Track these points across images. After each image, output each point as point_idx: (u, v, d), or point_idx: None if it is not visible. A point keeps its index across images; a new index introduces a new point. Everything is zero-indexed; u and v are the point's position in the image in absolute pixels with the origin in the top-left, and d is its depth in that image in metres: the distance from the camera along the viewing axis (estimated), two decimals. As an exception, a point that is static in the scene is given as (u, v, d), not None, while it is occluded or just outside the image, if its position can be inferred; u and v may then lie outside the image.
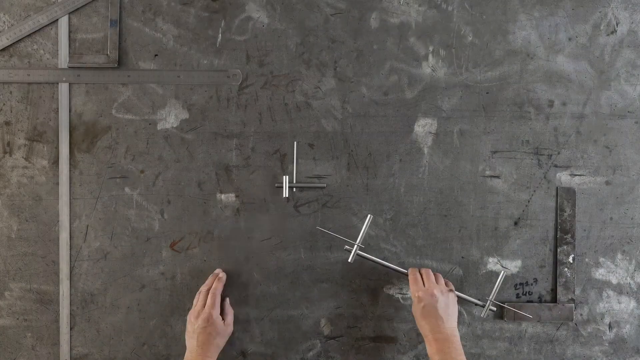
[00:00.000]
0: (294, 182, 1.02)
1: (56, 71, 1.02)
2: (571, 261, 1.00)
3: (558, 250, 1.01)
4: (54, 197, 1.03)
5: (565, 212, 1.00)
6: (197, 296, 0.98)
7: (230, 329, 0.98)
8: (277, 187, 1.02)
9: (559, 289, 1.01)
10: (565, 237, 1.00)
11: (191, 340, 0.94)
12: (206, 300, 0.96)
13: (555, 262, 1.01)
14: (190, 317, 0.96)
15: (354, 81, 1.01)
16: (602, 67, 1.00)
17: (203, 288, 0.99)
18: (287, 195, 1.01)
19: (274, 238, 1.03)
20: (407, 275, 0.97)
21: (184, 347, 1.04)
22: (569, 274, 1.01)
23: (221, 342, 0.96)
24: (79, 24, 1.02)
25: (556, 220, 1.01)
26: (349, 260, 0.96)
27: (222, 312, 0.98)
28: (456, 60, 1.01)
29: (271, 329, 1.04)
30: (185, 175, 1.03)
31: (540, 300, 1.02)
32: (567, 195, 1.00)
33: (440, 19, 1.00)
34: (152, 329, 1.04)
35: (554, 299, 1.01)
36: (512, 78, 1.01)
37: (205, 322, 0.94)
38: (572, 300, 1.01)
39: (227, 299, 1.01)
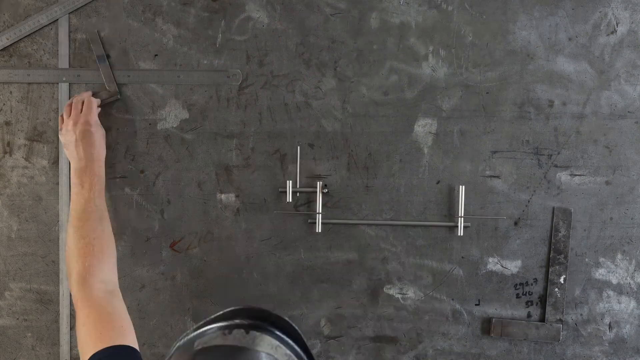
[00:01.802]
0: (297, 185, 1.02)
1: (56, 71, 1.02)
2: (562, 282, 1.00)
3: (550, 270, 1.01)
4: (54, 197, 1.03)
5: (560, 232, 1.00)
6: (65, 112, 0.98)
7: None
8: (281, 192, 1.02)
9: (548, 309, 1.01)
10: (558, 257, 1.00)
11: (75, 149, 0.94)
12: (80, 108, 0.96)
13: (547, 280, 1.01)
14: (66, 126, 0.95)
15: (354, 81, 1.01)
16: (602, 67, 1.00)
17: (70, 101, 0.98)
18: (290, 200, 1.01)
19: (274, 238, 1.03)
20: None
21: (184, 347, 1.04)
22: (559, 295, 1.01)
23: (104, 145, 0.97)
24: (79, 24, 1.02)
25: (550, 239, 1.01)
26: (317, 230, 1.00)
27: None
28: (456, 60, 1.01)
29: (271, 329, 1.03)
30: (185, 175, 1.03)
31: (540, 299, 1.02)
32: (563, 216, 1.00)
33: (440, 19, 1.00)
34: (152, 329, 1.04)
35: (542, 318, 1.02)
36: (512, 78, 1.01)
37: (86, 124, 0.94)
38: (561, 320, 1.01)
39: (98, 101, 0.99)
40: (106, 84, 1.01)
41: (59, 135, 0.98)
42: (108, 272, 0.89)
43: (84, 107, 0.96)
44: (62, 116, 0.98)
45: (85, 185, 0.92)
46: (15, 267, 1.04)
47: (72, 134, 0.94)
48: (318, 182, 1.01)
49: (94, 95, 1.00)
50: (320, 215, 1.00)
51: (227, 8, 1.01)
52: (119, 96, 1.01)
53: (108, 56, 1.01)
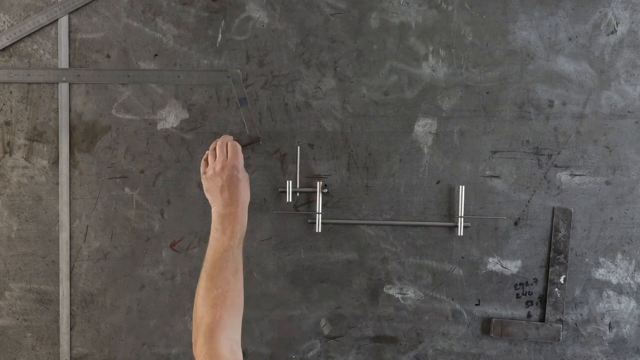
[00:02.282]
0: (297, 185, 1.02)
1: (56, 71, 1.02)
2: (562, 282, 1.01)
3: (550, 270, 1.01)
4: (54, 197, 1.03)
5: (560, 232, 1.00)
6: (209, 156, 0.94)
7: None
8: (281, 192, 1.02)
9: (548, 309, 1.01)
10: (558, 257, 1.00)
11: (220, 195, 0.90)
12: (225, 151, 0.93)
13: (547, 280, 1.01)
14: (213, 170, 0.92)
15: (354, 81, 1.01)
16: (602, 67, 1.00)
17: (214, 144, 0.95)
18: (290, 200, 1.01)
19: (274, 238, 1.03)
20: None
21: (184, 347, 1.04)
22: (559, 295, 1.01)
23: (249, 191, 0.93)
24: (79, 24, 1.02)
25: (550, 239, 1.01)
26: (317, 230, 1.01)
27: None
28: (456, 60, 1.01)
29: (271, 329, 1.04)
30: (185, 175, 1.03)
31: (540, 299, 1.02)
32: (563, 216, 1.00)
33: (440, 19, 1.00)
34: (152, 329, 1.04)
35: (543, 318, 1.02)
36: (512, 78, 1.01)
37: (233, 169, 0.90)
38: (561, 320, 1.01)
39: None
40: (247, 128, 1.00)
41: (202, 179, 0.94)
42: (235, 329, 0.84)
43: (229, 151, 0.92)
44: (205, 160, 0.95)
45: (226, 232, 0.88)
46: (15, 267, 1.04)
47: (219, 179, 0.90)
48: (318, 182, 1.01)
49: (236, 139, 0.97)
50: (320, 215, 1.00)
51: (227, 8, 1.01)
52: (260, 142, 1.01)
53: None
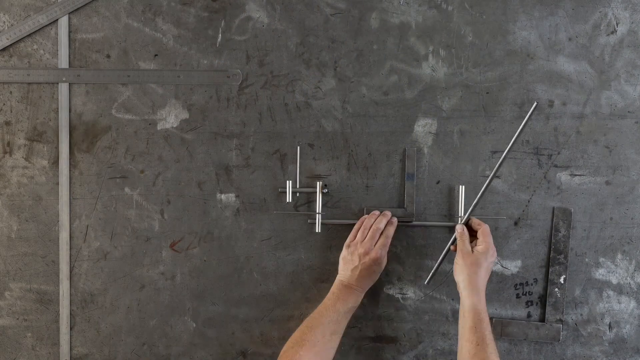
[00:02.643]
0: (297, 185, 1.02)
1: (56, 71, 1.02)
2: (562, 282, 1.00)
3: (550, 270, 1.01)
4: (54, 197, 1.03)
5: (560, 232, 1.00)
6: (361, 230, 0.97)
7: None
8: (281, 192, 1.02)
9: (548, 309, 1.01)
10: (558, 257, 1.00)
11: (351, 271, 0.95)
12: (376, 238, 0.95)
13: (547, 280, 1.01)
14: (357, 248, 0.95)
15: (354, 81, 1.01)
16: (602, 67, 1.00)
17: (368, 223, 0.97)
18: (290, 200, 1.01)
19: (274, 238, 1.03)
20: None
21: (184, 347, 1.04)
22: (559, 295, 1.01)
23: (376, 279, 0.97)
24: (79, 24, 1.02)
25: (550, 239, 1.01)
26: (317, 231, 1.01)
27: None
28: (456, 60, 1.01)
29: (271, 329, 1.04)
30: (185, 175, 1.03)
31: (540, 299, 1.02)
32: (563, 216, 1.00)
33: (440, 19, 1.00)
34: (152, 329, 1.04)
35: (543, 318, 1.02)
36: (512, 78, 1.01)
37: (373, 261, 0.94)
38: (561, 320, 1.01)
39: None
40: (406, 203, 1.00)
41: (344, 246, 0.97)
42: None
43: (379, 242, 0.95)
44: (354, 232, 0.98)
45: (341, 298, 0.93)
46: (15, 267, 1.04)
47: (357, 260, 0.94)
48: (318, 182, 1.01)
49: (393, 216, 1.00)
50: (320, 215, 1.00)
51: (227, 8, 1.01)
52: (412, 221, 1.01)
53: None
